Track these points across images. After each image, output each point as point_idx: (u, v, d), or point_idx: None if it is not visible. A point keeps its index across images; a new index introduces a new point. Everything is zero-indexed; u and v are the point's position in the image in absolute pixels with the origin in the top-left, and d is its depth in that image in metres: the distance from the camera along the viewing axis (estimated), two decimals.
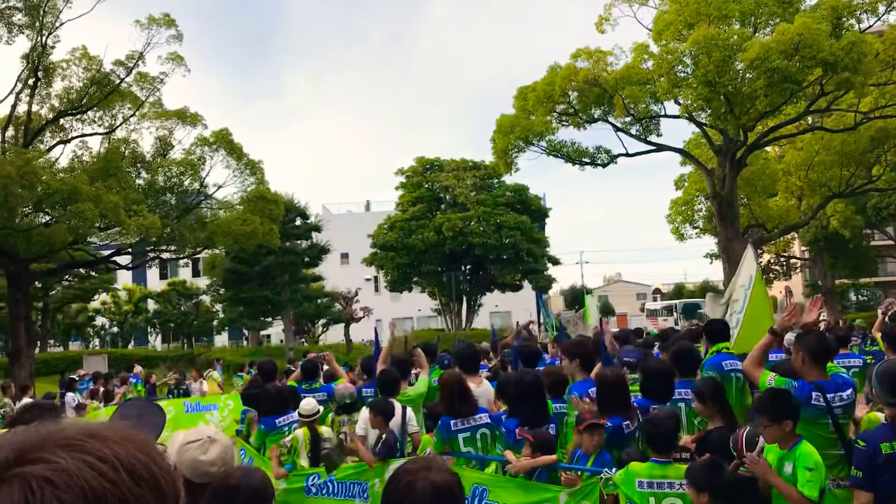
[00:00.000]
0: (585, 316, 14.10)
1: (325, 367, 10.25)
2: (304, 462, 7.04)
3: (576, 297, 76.97)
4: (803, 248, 47.97)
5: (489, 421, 6.16)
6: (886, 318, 9.44)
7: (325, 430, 7.37)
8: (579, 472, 5.22)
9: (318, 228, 41.38)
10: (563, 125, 27.66)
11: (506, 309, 52.81)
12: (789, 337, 7.97)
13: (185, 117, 27.46)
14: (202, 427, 2.80)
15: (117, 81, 25.49)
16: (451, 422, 6.04)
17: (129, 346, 51.17)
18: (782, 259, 48.73)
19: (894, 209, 35.57)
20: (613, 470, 4.94)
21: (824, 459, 4.59)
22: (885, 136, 26.82)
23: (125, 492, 0.94)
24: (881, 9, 24.11)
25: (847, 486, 4.52)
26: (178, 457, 2.73)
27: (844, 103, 25.65)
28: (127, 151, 27.00)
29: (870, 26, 24.66)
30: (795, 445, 4.37)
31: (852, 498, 4.41)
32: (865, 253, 44.77)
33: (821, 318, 21.53)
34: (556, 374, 6.74)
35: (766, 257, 47.18)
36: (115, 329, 53.61)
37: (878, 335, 9.04)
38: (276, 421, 7.76)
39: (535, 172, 75.16)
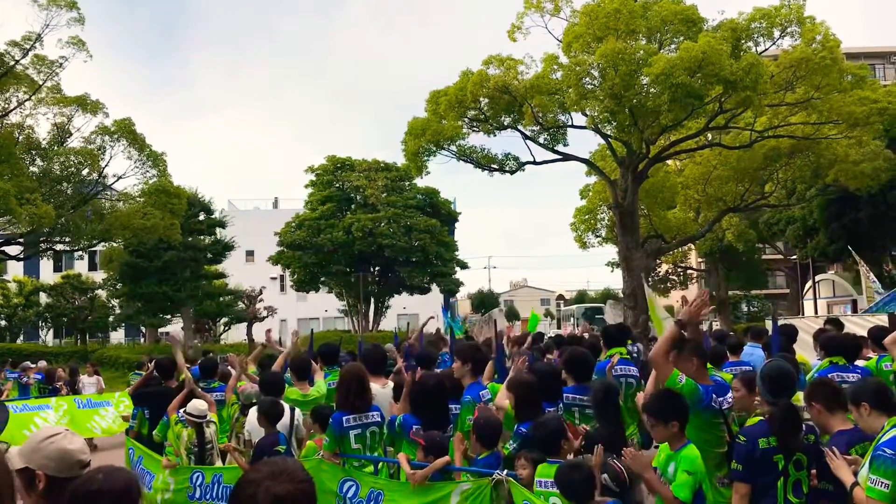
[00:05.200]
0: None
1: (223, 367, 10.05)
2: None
3: (483, 301, 77.93)
4: (700, 260, 49.77)
5: (379, 420, 6.20)
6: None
7: (208, 433, 7.26)
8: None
9: (222, 224, 40.44)
10: (473, 130, 27.83)
11: (413, 311, 52.77)
12: None
13: (86, 104, 26.45)
14: (47, 427, 2.69)
15: (11, 63, 24.30)
16: (344, 417, 6.02)
17: (18, 341, 48.78)
18: (679, 269, 50.42)
19: (784, 225, 37.29)
20: (505, 472, 5.02)
21: (716, 458, 4.79)
22: (777, 154, 28.08)
23: None
24: (776, 33, 25.30)
25: (728, 483, 4.71)
26: (37, 453, 2.60)
27: (741, 122, 26.78)
28: (21, 137, 25.85)
29: (765, 49, 25.83)
30: (682, 447, 4.54)
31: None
32: (757, 266, 46.84)
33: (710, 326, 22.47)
34: (453, 378, 6.87)
35: (664, 267, 48.81)
36: (3, 323, 51.07)
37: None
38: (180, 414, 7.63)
39: (446, 176, 75.85)
